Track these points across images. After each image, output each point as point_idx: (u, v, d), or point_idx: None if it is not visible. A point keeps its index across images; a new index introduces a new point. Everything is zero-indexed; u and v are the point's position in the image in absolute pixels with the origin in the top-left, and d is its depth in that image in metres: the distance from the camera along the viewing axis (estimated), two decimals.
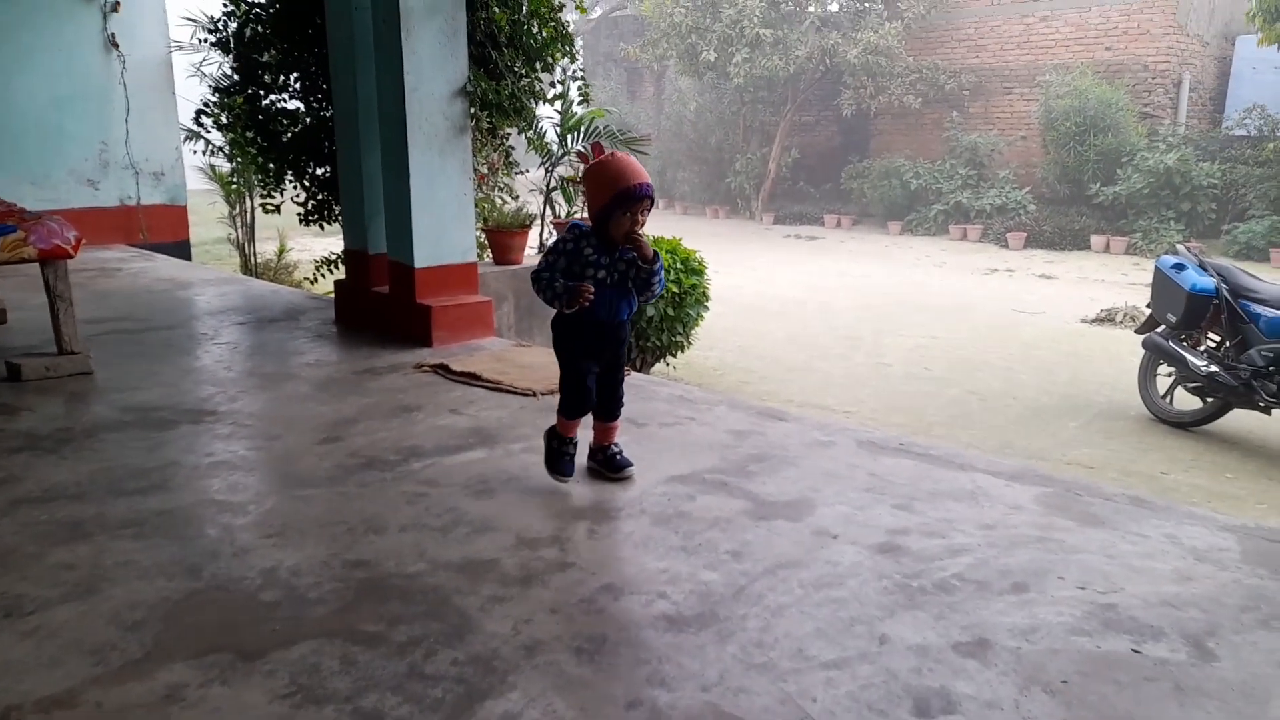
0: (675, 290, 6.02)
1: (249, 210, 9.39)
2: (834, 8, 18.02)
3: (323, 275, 6.90)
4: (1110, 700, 1.72)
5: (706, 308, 6.24)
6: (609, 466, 2.84)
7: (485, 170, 6.51)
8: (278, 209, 6.64)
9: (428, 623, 1.98)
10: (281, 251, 9.73)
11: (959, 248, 14.64)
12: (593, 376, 2.69)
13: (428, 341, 4.51)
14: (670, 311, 6.06)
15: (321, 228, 6.26)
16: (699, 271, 6.22)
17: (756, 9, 17.12)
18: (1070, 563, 2.26)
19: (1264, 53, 13.63)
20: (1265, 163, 13.04)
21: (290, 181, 6.22)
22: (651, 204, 2.56)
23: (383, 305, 4.85)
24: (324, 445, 3.14)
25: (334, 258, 6.45)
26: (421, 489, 2.75)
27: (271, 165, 6.13)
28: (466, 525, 2.49)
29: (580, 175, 2.33)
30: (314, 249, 8.42)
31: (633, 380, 4.03)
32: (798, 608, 2.05)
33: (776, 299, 10.10)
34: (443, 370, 4.10)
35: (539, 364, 4.22)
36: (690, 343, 6.40)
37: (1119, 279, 11.30)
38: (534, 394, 3.76)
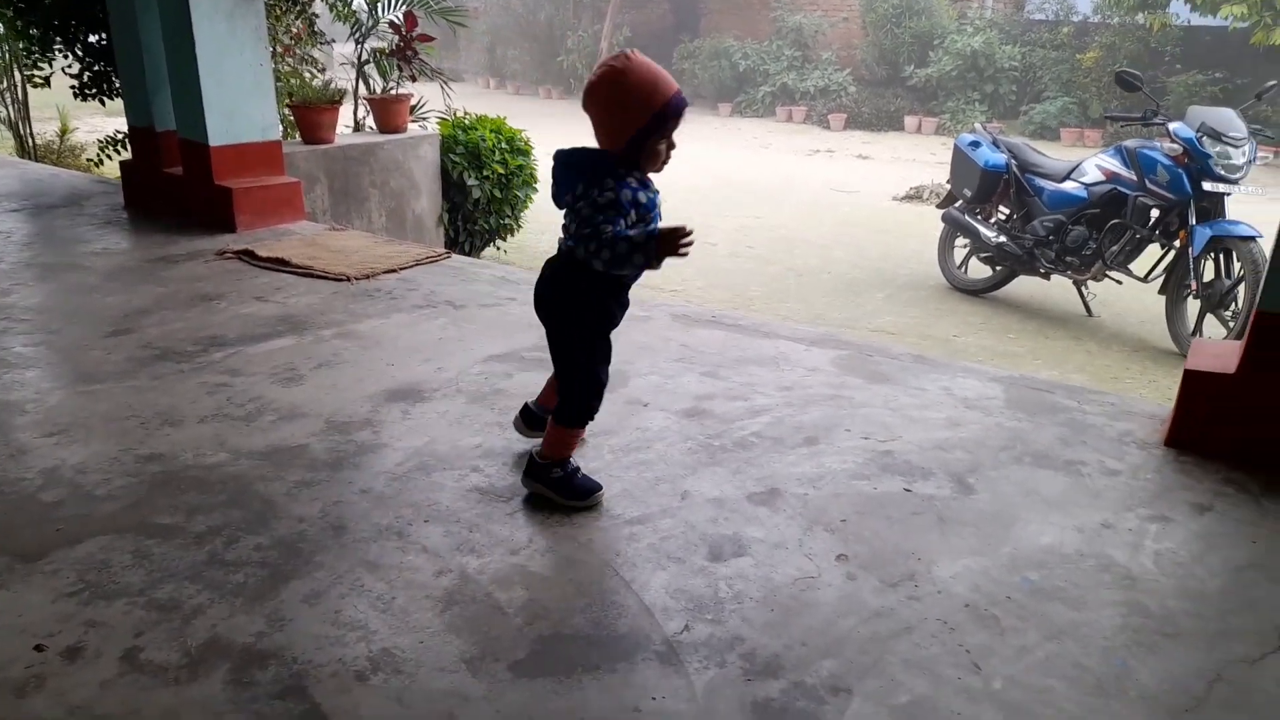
0: (502, 171, 5.88)
1: (18, 85, 8.33)
2: None
3: (109, 157, 6.28)
4: (881, 534, 1.90)
5: (535, 189, 6.14)
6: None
7: (288, 41, 6.03)
8: (46, 81, 5.94)
9: (229, 511, 1.93)
10: (64, 131, 8.75)
11: (785, 129, 14.94)
12: None
13: (230, 226, 4.24)
14: (498, 193, 5.93)
15: (103, 103, 5.67)
16: (525, 152, 6.09)
17: None
18: (856, 416, 2.45)
19: None
20: (1060, 46, 13.87)
21: (60, 50, 5.56)
22: None
23: (177, 188, 4.49)
24: (113, 338, 2.93)
25: (121, 137, 5.88)
26: (223, 379, 2.63)
27: (34, 31, 5.44)
28: (273, 413, 2.42)
29: (588, 91, 1.84)
30: (105, 128, 7.59)
31: (454, 263, 3.95)
32: (607, 471, 2.13)
33: None
34: (247, 256, 3.87)
35: (354, 248, 4.05)
36: (520, 225, 6.30)
37: (929, 158, 11.89)
38: (348, 279, 3.63)
